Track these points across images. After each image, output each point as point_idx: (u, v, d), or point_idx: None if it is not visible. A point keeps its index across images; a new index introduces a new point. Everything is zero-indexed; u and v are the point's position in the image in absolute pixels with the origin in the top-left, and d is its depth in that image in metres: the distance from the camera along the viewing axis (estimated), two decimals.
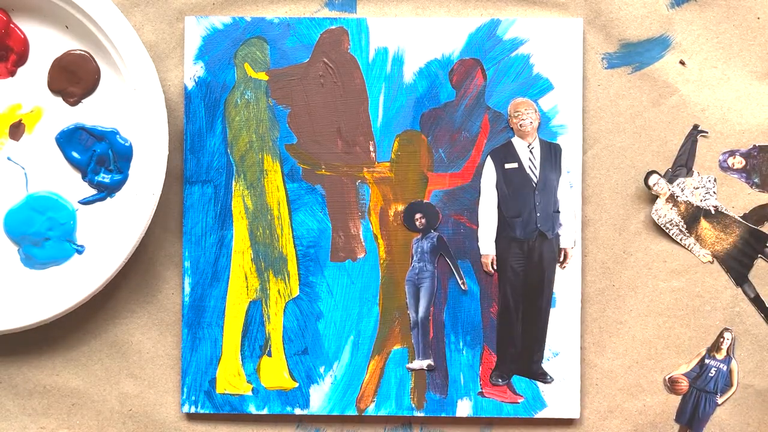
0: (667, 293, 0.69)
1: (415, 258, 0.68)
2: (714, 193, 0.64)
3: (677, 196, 0.62)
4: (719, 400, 0.69)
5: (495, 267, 0.69)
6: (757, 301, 0.68)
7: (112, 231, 0.67)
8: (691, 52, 0.69)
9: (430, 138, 0.69)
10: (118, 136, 0.68)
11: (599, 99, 0.69)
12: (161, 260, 0.69)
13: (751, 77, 0.69)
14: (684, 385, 0.64)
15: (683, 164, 0.64)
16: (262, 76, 0.69)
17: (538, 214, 0.68)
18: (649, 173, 0.64)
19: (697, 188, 0.62)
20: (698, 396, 0.69)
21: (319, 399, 0.69)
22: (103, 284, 0.66)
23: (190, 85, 0.69)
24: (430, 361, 0.68)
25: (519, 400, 0.68)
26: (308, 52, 0.69)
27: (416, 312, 0.68)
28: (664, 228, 0.63)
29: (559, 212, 0.68)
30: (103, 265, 0.66)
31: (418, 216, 0.68)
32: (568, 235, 0.68)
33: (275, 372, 0.69)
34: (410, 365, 0.69)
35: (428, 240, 0.68)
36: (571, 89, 0.68)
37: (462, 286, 0.68)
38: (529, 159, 0.69)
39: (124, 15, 0.66)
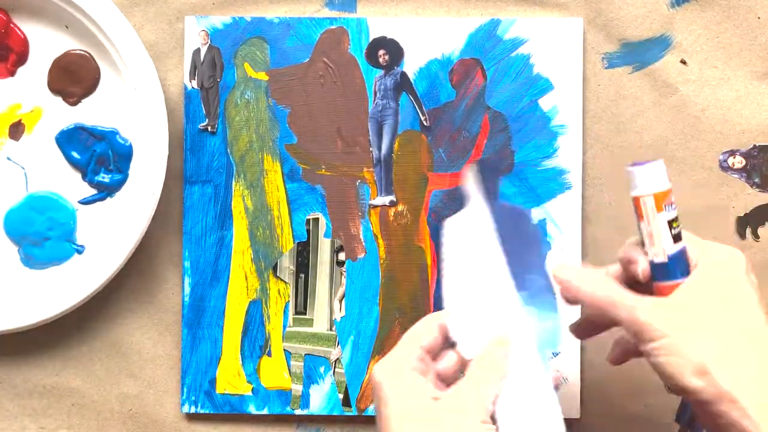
0: None
1: (378, 95, 0.68)
2: None
3: None
4: None
5: None
6: None
7: (112, 231, 0.67)
8: (692, 52, 0.69)
9: (430, 138, 0.68)
10: (118, 136, 0.68)
11: (599, 99, 0.69)
12: (161, 260, 0.69)
13: (751, 77, 0.69)
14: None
15: None
16: (262, 76, 0.69)
17: None
18: None
19: None
20: None
21: (320, 399, 0.68)
22: (102, 284, 0.66)
23: (190, 85, 0.69)
24: (392, 197, 0.68)
25: None
26: (308, 52, 0.69)
27: (379, 149, 0.68)
28: None
29: None
30: (102, 265, 0.66)
31: (381, 52, 0.67)
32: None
33: (275, 372, 0.69)
34: (373, 201, 0.68)
35: (391, 77, 0.67)
36: (572, 89, 0.68)
37: (425, 122, 0.68)
38: None
39: (124, 15, 0.66)
